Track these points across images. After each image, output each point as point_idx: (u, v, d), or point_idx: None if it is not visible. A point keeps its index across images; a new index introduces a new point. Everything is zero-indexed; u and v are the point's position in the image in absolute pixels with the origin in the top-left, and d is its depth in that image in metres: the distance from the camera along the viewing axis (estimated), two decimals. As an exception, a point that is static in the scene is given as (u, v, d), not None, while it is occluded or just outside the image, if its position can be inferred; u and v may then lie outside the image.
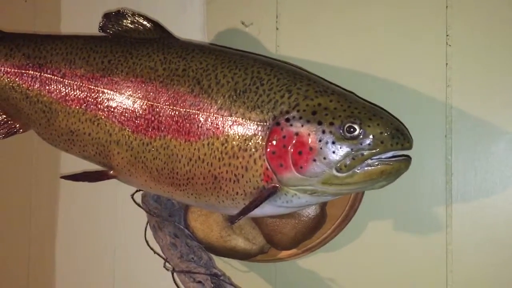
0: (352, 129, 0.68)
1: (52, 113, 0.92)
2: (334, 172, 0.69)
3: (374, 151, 0.68)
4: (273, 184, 0.73)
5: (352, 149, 0.68)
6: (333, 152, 0.69)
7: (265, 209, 0.77)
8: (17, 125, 0.98)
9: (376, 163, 0.68)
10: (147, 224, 1.00)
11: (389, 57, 0.87)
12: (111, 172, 0.90)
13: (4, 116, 0.98)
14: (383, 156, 0.69)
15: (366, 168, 0.68)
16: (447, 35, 0.83)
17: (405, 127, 0.71)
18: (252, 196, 0.76)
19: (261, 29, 1.00)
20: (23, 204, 1.23)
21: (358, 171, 0.68)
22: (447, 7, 0.83)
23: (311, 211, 0.83)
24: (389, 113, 0.73)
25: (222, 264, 0.96)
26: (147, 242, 0.99)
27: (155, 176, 0.84)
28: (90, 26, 1.16)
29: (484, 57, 0.81)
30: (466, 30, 0.82)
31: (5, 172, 1.26)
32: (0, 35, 0.98)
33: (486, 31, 0.81)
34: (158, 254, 0.95)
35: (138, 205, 0.98)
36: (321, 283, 0.91)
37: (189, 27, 1.08)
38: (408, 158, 0.70)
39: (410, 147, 0.69)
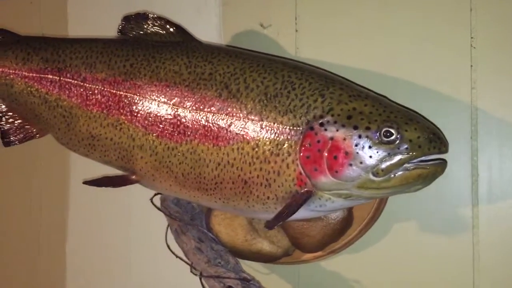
0: (389, 134, 0.68)
1: (72, 118, 0.90)
2: (371, 177, 0.69)
3: (412, 155, 0.68)
4: (307, 189, 0.73)
5: (389, 154, 0.68)
6: (370, 156, 0.69)
7: (297, 214, 0.77)
8: (34, 130, 0.97)
9: (413, 167, 0.68)
10: (167, 228, 0.99)
11: (413, 60, 0.87)
12: (134, 177, 0.89)
13: (21, 120, 0.97)
14: (420, 160, 0.69)
15: (402, 172, 0.69)
16: (472, 38, 0.84)
17: (440, 131, 0.71)
18: (284, 201, 0.76)
19: (280, 30, 1.00)
20: (32, 210, 1.21)
21: (395, 175, 0.69)
22: (471, 9, 0.84)
23: (339, 214, 0.84)
24: (423, 117, 0.73)
25: (245, 266, 0.95)
26: (168, 246, 0.98)
27: (180, 181, 0.84)
28: (98, 28, 1.15)
29: (508, 59, 0.82)
30: (490, 32, 0.83)
31: (14, 176, 1.24)
32: (16, 38, 0.96)
33: (510, 33, 0.82)
34: (181, 259, 0.95)
35: (158, 209, 0.98)
36: (344, 285, 0.92)
37: (205, 29, 1.07)
38: (444, 162, 0.70)
39: (446, 151, 0.70)
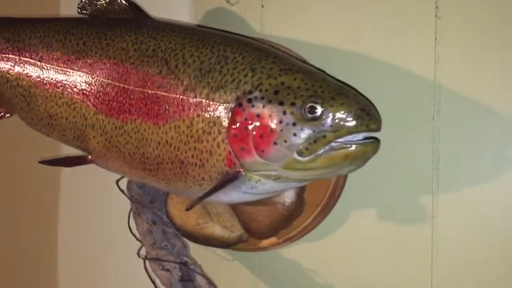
0: (313, 109, 0.63)
1: (31, 97, 0.91)
2: (296, 156, 0.64)
3: (337, 133, 0.62)
4: (236, 169, 0.69)
5: (313, 131, 0.63)
6: (294, 134, 0.63)
7: (232, 196, 0.73)
8: (3, 110, 0.98)
9: (339, 146, 0.63)
10: (130, 210, 0.98)
11: (376, 33, 0.80)
12: (90, 157, 0.89)
13: (-11, 100, 0.99)
14: (349, 138, 0.63)
15: (329, 152, 0.63)
16: (437, 7, 0.76)
17: (373, 107, 0.65)
18: (217, 182, 0.72)
19: (247, 6, 0.95)
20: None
21: (321, 155, 0.63)
22: (436, -25, 0.76)
23: (287, 199, 0.79)
24: (359, 92, 0.67)
25: (205, 252, 0.92)
26: (130, 228, 0.97)
27: (128, 161, 0.82)
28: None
29: (477, 31, 0.73)
30: (457, 0, 0.74)
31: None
32: (-15, 20, 0.97)
33: (480, 1, 0.73)
34: (140, 241, 0.93)
35: (122, 191, 0.97)
36: (304, 273, 0.87)
37: (177, 8, 1.05)
38: (375, 141, 0.64)
39: (377, 129, 0.63)
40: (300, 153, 0.64)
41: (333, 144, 0.63)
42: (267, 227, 0.80)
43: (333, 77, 0.69)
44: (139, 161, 0.80)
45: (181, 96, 0.74)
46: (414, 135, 0.77)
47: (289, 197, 0.79)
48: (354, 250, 0.82)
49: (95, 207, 1.14)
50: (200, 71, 0.73)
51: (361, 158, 0.63)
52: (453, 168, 0.74)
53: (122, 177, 0.98)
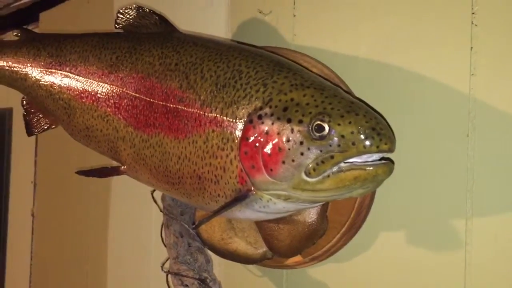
0: (320, 128, 0.59)
1: (71, 110, 0.94)
2: (304, 177, 0.61)
3: (345, 154, 0.58)
4: (247, 188, 0.67)
5: (321, 151, 0.59)
6: (301, 153, 0.60)
7: (246, 214, 0.71)
8: (48, 121, 1.03)
9: (348, 167, 0.58)
10: (163, 221, 0.99)
11: (407, 42, 0.75)
12: (122, 168, 0.91)
13: (38, 112, 1.04)
14: (362, 159, 0.59)
15: (337, 174, 0.59)
16: (473, 13, 0.69)
17: (387, 126, 0.59)
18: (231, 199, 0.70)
19: (279, 17, 0.93)
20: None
21: (328, 176, 0.59)
22: (474, -21, 0.69)
23: (308, 218, 0.75)
24: (374, 109, 0.62)
25: (233, 265, 0.91)
26: (162, 239, 0.98)
27: (154, 173, 0.83)
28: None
29: (518, 39, 0.66)
30: (496, 7, 0.67)
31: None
32: (32, 36, 1.03)
33: (522, 6, 0.66)
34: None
35: (155, 201, 0.98)
36: (331, 295, 0.82)
37: (214, 21, 1.05)
38: (388, 163, 0.59)
39: (389, 150, 0.58)
40: (308, 174, 0.60)
41: (341, 165, 0.59)
42: (288, 246, 0.77)
43: (350, 93, 0.65)
44: (163, 175, 0.81)
45: (198, 111, 0.73)
46: (446, 153, 0.70)
47: (310, 215, 0.75)
48: (381, 274, 0.76)
49: (141, 215, 1.17)
50: (216, 85, 0.72)
51: (371, 180, 0.59)
52: (489, 190, 0.67)
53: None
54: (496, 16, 0.67)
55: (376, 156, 0.59)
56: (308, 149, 0.60)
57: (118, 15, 0.92)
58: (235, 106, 0.68)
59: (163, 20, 0.87)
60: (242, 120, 0.67)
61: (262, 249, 0.83)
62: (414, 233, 0.73)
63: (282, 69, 0.68)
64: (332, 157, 0.59)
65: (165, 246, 0.96)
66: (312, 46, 0.88)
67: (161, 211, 0.94)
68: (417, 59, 0.74)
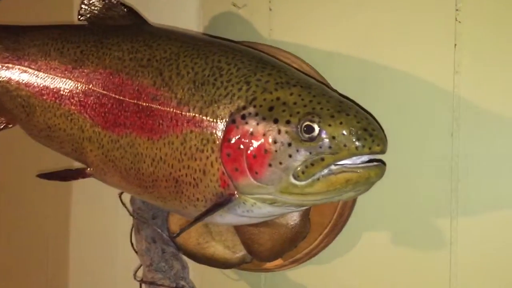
0: (309, 129, 0.56)
1: (30, 108, 0.88)
2: (292, 180, 0.58)
3: (336, 155, 0.56)
4: (229, 191, 0.64)
5: (310, 153, 0.57)
6: (290, 156, 0.57)
7: (227, 219, 0.68)
8: (4, 120, 0.96)
9: (339, 170, 0.56)
10: (132, 225, 0.94)
11: (388, 39, 0.73)
12: (88, 170, 0.85)
13: (-8, 110, 0.96)
14: (351, 161, 0.56)
15: (328, 176, 0.56)
16: (457, 10, 0.68)
17: (378, 126, 0.58)
18: (212, 203, 0.67)
19: (254, 10, 0.89)
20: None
21: (318, 179, 0.57)
22: (457, -25, 0.68)
23: (290, 220, 0.73)
24: (363, 109, 0.60)
25: (209, 269, 0.87)
26: (132, 245, 0.93)
27: (124, 176, 0.78)
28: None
29: (502, 37, 0.65)
30: (480, 3, 0.66)
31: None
32: (-11, 28, 0.95)
33: (506, 4, 0.65)
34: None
35: (123, 204, 0.93)
36: (311, 298, 0.80)
37: (185, 13, 1.00)
38: (380, 164, 0.57)
39: (381, 151, 0.56)
40: (296, 177, 0.57)
41: (332, 167, 0.56)
42: (269, 250, 0.74)
43: (336, 91, 0.63)
44: (135, 177, 0.76)
45: (174, 110, 0.69)
46: (430, 152, 0.69)
47: (292, 218, 0.73)
48: (363, 276, 0.75)
49: (104, 219, 1.11)
50: (194, 83, 0.68)
51: (364, 183, 0.57)
52: (474, 189, 0.67)
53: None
54: (480, 13, 0.66)
55: (365, 157, 0.57)
56: (297, 151, 0.57)
57: (82, 5, 0.85)
58: (216, 105, 0.65)
59: (132, 12, 0.82)
60: (223, 120, 0.64)
61: (240, 252, 0.80)
62: (398, 233, 0.72)
63: (266, 66, 0.64)
64: (322, 159, 0.56)
65: (136, 252, 0.92)
66: (290, 41, 0.85)
67: (131, 215, 0.89)
68: (399, 56, 0.72)
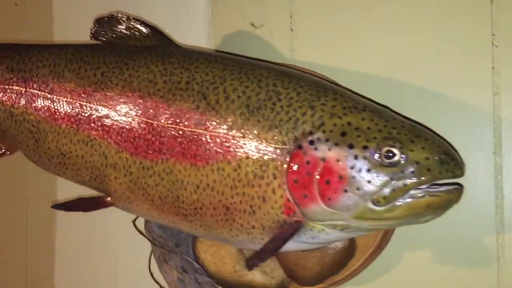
0: (391, 154, 0.57)
1: (40, 134, 0.81)
2: (370, 205, 0.58)
3: (419, 180, 0.56)
4: (296, 218, 0.62)
5: (391, 178, 0.57)
6: (368, 181, 0.57)
7: (286, 246, 0.66)
8: (3, 147, 0.88)
9: (421, 194, 0.57)
10: (151, 254, 0.89)
11: (423, 62, 0.75)
12: (109, 199, 0.80)
13: (-12, 137, 0.88)
14: (426, 185, 0.57)
15: (409, 201, 0.57)
16: (493, 35, 0.71)
17: (454, 150, 0.59)
18: (272, 231, 0.65)
19: (274, 30, 0.89)
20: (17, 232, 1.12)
21: (399, 204, 0.57)
22: (491, 1, 0.71)
23: (339, 243, 0.72)
24: (434, 132, 0.61)
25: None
26: (151, 275, 0.89)
27: (158, 204, 0.73)
28: (86, 31, 1.06)
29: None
30: (515, 29, 0.70)
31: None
32: (-22, 46, 0.87)
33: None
34: (166, 290, 0.85)
35: (141, 233, 0.88)
36: (349, 320, 0.80)
37: (193, 31, 0.97)
38: (460, 188, 0.58)
39: (462, 174, 0.58)
40: (376, 202, 0.57)
41: (412, 192, 0.57)
42: (317, 274, 0.73)
43: (400, 114, 0.63)
44: (172, 205, 0.72)
45: (225, 135, 0.67)
46: (474, 172, 0.71)
47: (341, 241, 0.72)
48: (406, 295, 0.76)
49: (104, 249, 1.04)
50: (247, 107, 0.65)
51: (444, 207, 0.58)
52: (519, 206, 0.70)
53: (138, 216, 0.89)
54: (516, 38, 0.70)
55: (442, 181, 0.58)
56: (377, 176, 0.57)
57: (96, 25, 0.80)
58: (276, 130, 0.63)
59: (156, 32, 0.78)
60: (286, 146, 0.62)
61: (278, 278, 0.78)
62: (442, 251, 0.74)
63: (327, 91, 0.64)
64: (405, 184, 0.56)
65: (156, 282, 0.87)
66: (314, 62, 0.85)
67: (153, 243, 0.84)
68: (433, 80, 0.74)
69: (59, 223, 1.06)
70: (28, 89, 0.82)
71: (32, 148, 0.83)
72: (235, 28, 0.92)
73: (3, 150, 0.88)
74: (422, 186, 0.57)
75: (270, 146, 0.63)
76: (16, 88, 0.82)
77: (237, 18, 0.92)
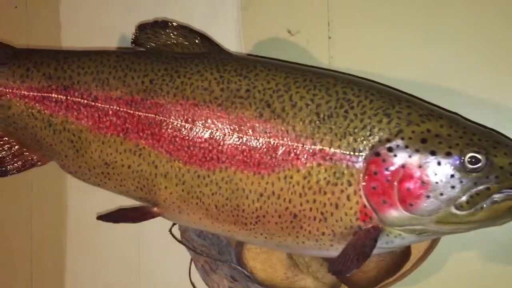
0: (475, 160, 0.59)
1: (82, 143, 0.78)
2: (453, 210, 0.60)
3: (502, 184, 0.59)
4: (372, 225, 0.63)
5: (475, 183, 0.59)
6: (452, 187, 0.59)
7: None
8: (35, 157, 0.84)
9: (503, 198, 0.59)
10: (190, 264, 0.88)
11: (463, 69, 0.78)
12: (156, 209, 0.78)
13: (19, 146, 0.84)
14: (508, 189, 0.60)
15: (492, 205, 0.59)
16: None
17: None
18: (343, 237, 0.65)
19: (310, 37, 0.89)
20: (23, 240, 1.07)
21: (482, 208, 0.59)
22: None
23: (397, 247, 0.74)
24: (507, 137, 0.64)
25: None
26: (193, 285, 0.87)
27: (213, 213, 0.73)
28: (97, 37, 1.03)
29: None
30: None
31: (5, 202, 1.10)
32: (11, 51, 0.83)
33: None
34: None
35: (181, 242, 0.86)
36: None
37: (222, 37, 0.96)
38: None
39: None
40: (459, 207, 0.59)
41: (495, 196, 0.59)
42: (373, 277, 0.75)
43: (470, 120, 0.66)
44: (230, 214, 0.71)
45: (293, 143, 0.67)
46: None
47: (400, 244, 0.74)
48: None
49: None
50: (318, 115, 0.66)
51: None
52: None
53: (174, 224, 0.87)
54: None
55: None
56: (461, 182, 0.59)
57: (139, 31, 0.79)
58: (351, 137, 0.64)
59: (205, 39, 0.78)
60: (362, 153, 0.63)
61: (329, 282, 0.79)
62: (488, 251, 0.77)
63: (400, 98, 0.65)
64: (488, 188, 0.59)
65: (198, 291, 0.86)
66: (353, 69, 0.86)
67: (196, 252, 0.83)
68: (479, 87, 0.77)
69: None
70: (69, 97, 0.79)
71: (71, 158, 0.80)
72: (267, 35, 0.92)
73: (35, 161, 0.85)
74: (504, 191, 0.59)
75: (344, 153, 0.64)
76: (55, 96, 0.79)
77: (269, 24, 0.92)
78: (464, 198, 0.59)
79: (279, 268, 0.79)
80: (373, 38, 0.85)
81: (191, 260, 0.87)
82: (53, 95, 0.79)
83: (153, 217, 0.79)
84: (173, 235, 0.88)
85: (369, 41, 0.85)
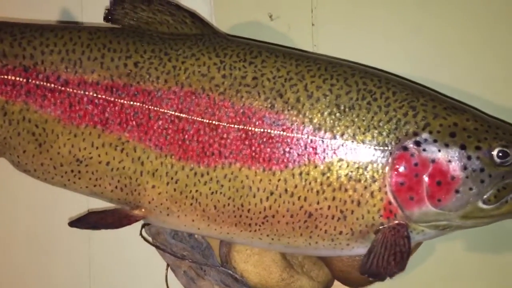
0: (504, 154, 0.59)
1: (47, 136, 0.66)
2: (480, 205, 0.59)
3: None
4: (397, 221, 0.61)
5: (503, 177, 0.59)
6: (482, 181, 0.59)
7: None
8: (-20, 152, 0.69)
9: None
10: (167, 270, 0.79)
11: (448, 61, 0.79)
12: (137, 211, 0.68)
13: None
14: None
15: None
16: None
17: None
18: (362, 236, 0.62)
19: (291, 23, 0.84)
20: None
21: (507, 201, 0.60)
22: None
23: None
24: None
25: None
26: (170, 292, 0.79)
27: (211, 214, 0.65)
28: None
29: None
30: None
31: None
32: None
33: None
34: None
35: (157, 246, 0.77)
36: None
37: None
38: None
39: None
40: (486, 201, 0.59)
41: None
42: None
43: (486, 114, 0.66)
44: (232, 215, 0.65)
45: (311, 137, 0.62)
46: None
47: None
48: (440, 285, 0.80)
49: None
50: (338, 107, 0.62)
51: None
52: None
53: (145, 225, 0.78)
54: None
55: None
56: (490, 176, 0.59)
57: (114, 5, 0.68)
58: (376, 131, 0.60)
59: (196, 18, 0.69)
60: (388, 147, 0.60)
61: (323, 281, 0.76)
62: (473, 240, 0.79)
63: (422, 91, 0.63)
64: (515, 182, 0.59)
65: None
66: (338, 58, 0.83)
67: (180, 258, 0.74)
68: (464, 79, 0.79)
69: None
70: (30, 80, 0.65)
71: (31, 154, 0.67)
72: (244, 17, 0.85)
73: (-22, 157, 0.70)
74: (528, 183, 0.60)
75: (369, 148, 0.60)
76: (12, 78, 0.66)
77: (247, 5, 0.85)
78: (492, 192, 0.59)
79: (274, 270, 0.74)
80: (359, 26, 0.82)
81: (167, 266, 0.78)
82: (9, 77, 0.65)
83: (136, 221, 0.69)
84: (144, 239, 0.78)
85: (355, 30, 0.83)
